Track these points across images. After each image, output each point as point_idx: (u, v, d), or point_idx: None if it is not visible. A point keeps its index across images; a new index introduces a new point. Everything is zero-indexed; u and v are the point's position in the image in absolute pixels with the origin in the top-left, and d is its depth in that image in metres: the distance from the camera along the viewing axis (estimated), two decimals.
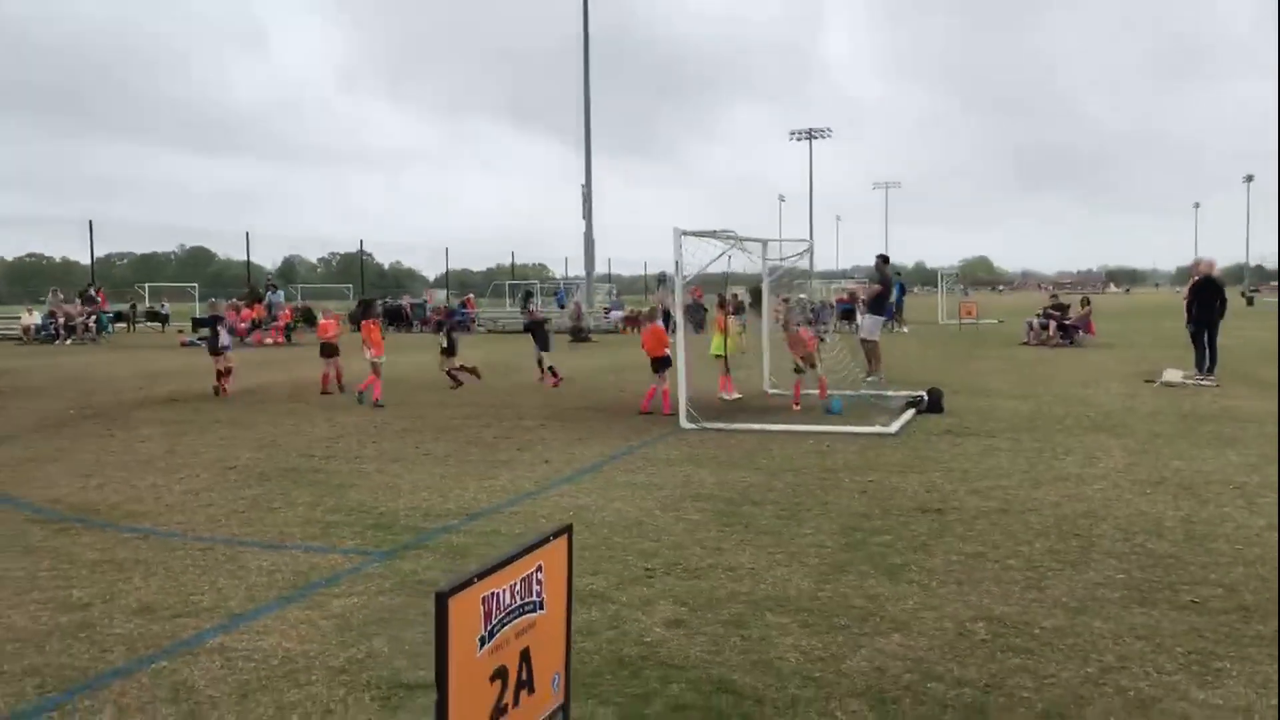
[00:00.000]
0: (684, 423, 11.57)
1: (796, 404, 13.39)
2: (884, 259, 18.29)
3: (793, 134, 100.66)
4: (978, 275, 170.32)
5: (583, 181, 47.29)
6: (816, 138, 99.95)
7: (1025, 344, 25.92)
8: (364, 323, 15.64)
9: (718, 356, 14.63)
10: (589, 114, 46.91)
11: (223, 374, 15.80)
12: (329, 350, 16.08)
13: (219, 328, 16.29)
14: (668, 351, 12.95)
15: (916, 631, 4.82)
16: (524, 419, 12.64)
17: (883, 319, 17.73)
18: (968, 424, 11.58)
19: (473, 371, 16.86)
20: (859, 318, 35.62)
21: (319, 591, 5.56)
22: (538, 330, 17.94)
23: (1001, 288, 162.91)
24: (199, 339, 31.27)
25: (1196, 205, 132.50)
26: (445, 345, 16.86)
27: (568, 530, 2.89)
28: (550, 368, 17.09)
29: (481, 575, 2.45)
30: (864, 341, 17.10)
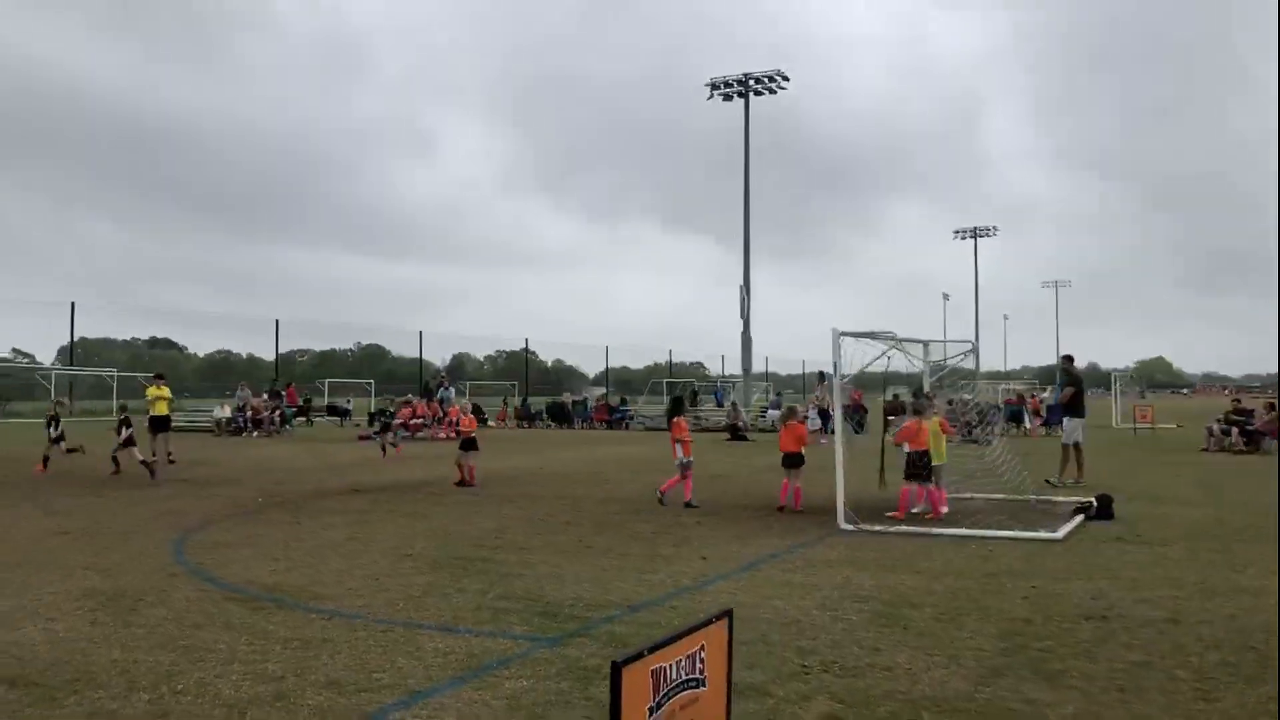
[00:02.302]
0: (843, 524, 11.58)
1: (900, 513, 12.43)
2: (1069, 359, 18.06)
3: (957, 233, 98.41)
4: (1155, 377, 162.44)
5: (740, 282, 48.08)
6: (982, 236, 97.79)
7: (1205, 450, 24.77)
8: (675, 421, 14.37)
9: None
10: (748, 217, 47.85)
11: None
12: (468, 445, 16.92)
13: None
14: (803, 450, 13.08)
15: None
16: (681, 515, 12.88)
17: (1082, 420, 17.20)
18: (1139, 531, 11.21)
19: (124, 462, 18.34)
20: (1027, 420, 34.81)
21: (491, 673, 5.89)
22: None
23: (1185, 390, 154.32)
24: (375, 434, 32.97)
25: None
26: (54, 434, 18.94)
27: (728, 614, 3.12)
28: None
29: (652, 650, 2.71)
30: (1065, 446, 16.90)
